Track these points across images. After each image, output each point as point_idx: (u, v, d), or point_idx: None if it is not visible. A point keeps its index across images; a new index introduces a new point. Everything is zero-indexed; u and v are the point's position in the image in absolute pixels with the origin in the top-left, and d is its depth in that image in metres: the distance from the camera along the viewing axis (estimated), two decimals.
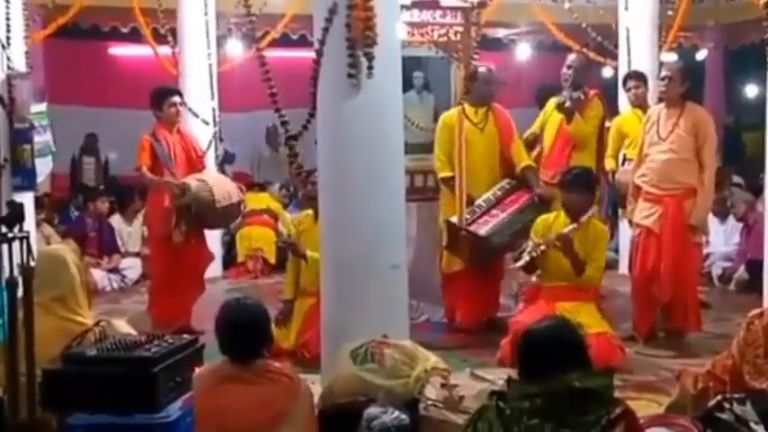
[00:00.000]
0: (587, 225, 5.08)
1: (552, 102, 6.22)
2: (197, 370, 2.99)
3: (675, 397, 3.67)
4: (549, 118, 6.20)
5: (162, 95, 6.00)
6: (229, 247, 8.74)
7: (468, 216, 5.55)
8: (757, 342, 3.35)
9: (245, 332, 3.05)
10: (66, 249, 3.78)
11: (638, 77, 6.66)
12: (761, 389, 3.24)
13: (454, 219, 5.58)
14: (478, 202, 5.69)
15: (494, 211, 5.66)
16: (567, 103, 5.96)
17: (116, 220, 8.46)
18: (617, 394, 2.67)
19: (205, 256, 6.17)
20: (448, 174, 5.74)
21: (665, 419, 3.26)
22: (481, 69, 5.95)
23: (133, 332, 3.59)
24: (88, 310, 3.69)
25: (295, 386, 3.06)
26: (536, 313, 4.91)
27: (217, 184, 5.98)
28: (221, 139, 10.86)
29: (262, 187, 9.41)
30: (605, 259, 5.34)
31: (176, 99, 6.05)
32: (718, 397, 3.23)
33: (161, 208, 5.87)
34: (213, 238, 7.44)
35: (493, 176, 5.86)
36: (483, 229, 5.55)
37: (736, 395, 3.20)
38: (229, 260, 8.67)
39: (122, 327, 3.67)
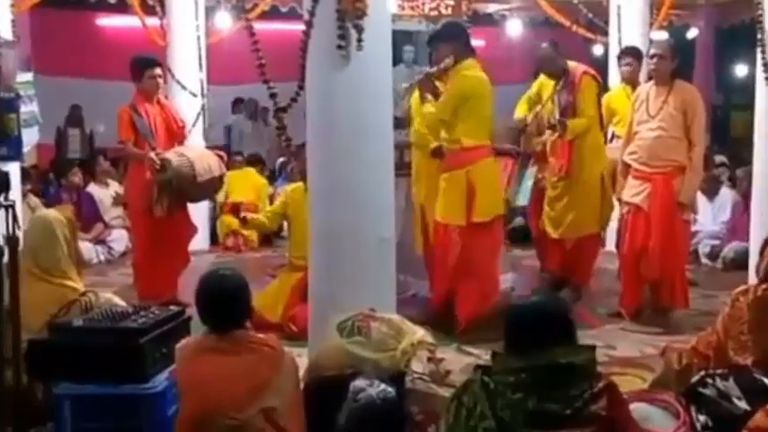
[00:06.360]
0: (457, 77, 5.09)
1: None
2: (180, 342, 2.99)
3: (660, 373, 3.70)
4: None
5: (142, 66, 5.83)
6: (215, 221, 8.69)
7: None
8: (742, 318, 3.38)
9: (223, 302, 3.04)
10: (58, 216, 3.75)
11: (631, 54, 6.63)
12: (744, 364, 3.27)
13: None
14: None
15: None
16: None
17: (93, 188, 8.31)
18: (601, 370, 2.70)
19: (188, 229, 6.12)
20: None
21: (648, 395, 3.28)
22: None
23: (122, 303, 3.59)
24: (78, 276, 3.67)
25: (278, 356, 3.05)
26: None
27: (197, 158, 5.89)
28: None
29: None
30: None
31: (157, 71, 5.88)
32: (702, 372, 3.26)
33: (142, 181, 5.77)
34: (201, 212, 7.42)
35: None
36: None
37: (719, 371, 3.23)
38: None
39: (110, 299, 3.67)
